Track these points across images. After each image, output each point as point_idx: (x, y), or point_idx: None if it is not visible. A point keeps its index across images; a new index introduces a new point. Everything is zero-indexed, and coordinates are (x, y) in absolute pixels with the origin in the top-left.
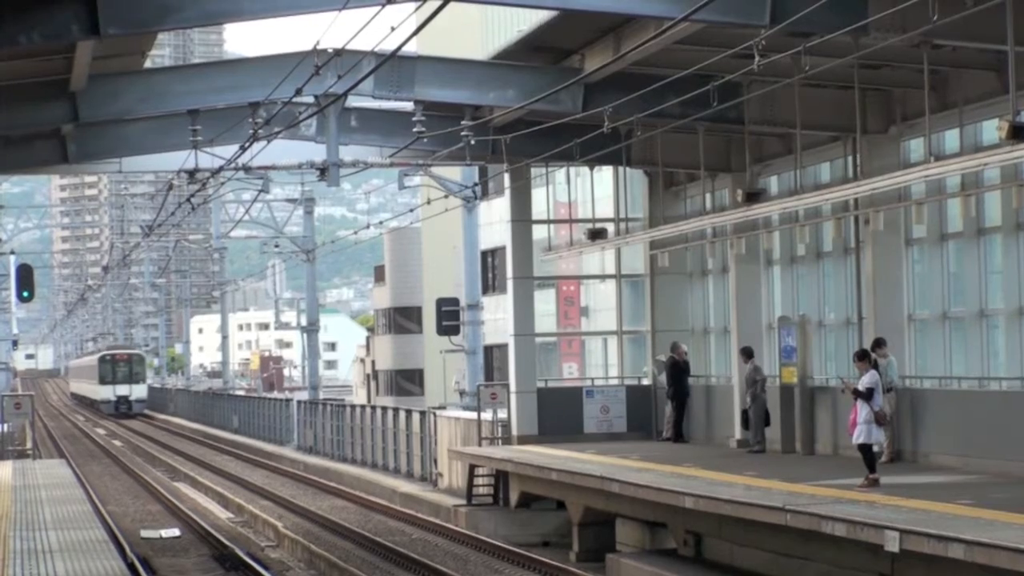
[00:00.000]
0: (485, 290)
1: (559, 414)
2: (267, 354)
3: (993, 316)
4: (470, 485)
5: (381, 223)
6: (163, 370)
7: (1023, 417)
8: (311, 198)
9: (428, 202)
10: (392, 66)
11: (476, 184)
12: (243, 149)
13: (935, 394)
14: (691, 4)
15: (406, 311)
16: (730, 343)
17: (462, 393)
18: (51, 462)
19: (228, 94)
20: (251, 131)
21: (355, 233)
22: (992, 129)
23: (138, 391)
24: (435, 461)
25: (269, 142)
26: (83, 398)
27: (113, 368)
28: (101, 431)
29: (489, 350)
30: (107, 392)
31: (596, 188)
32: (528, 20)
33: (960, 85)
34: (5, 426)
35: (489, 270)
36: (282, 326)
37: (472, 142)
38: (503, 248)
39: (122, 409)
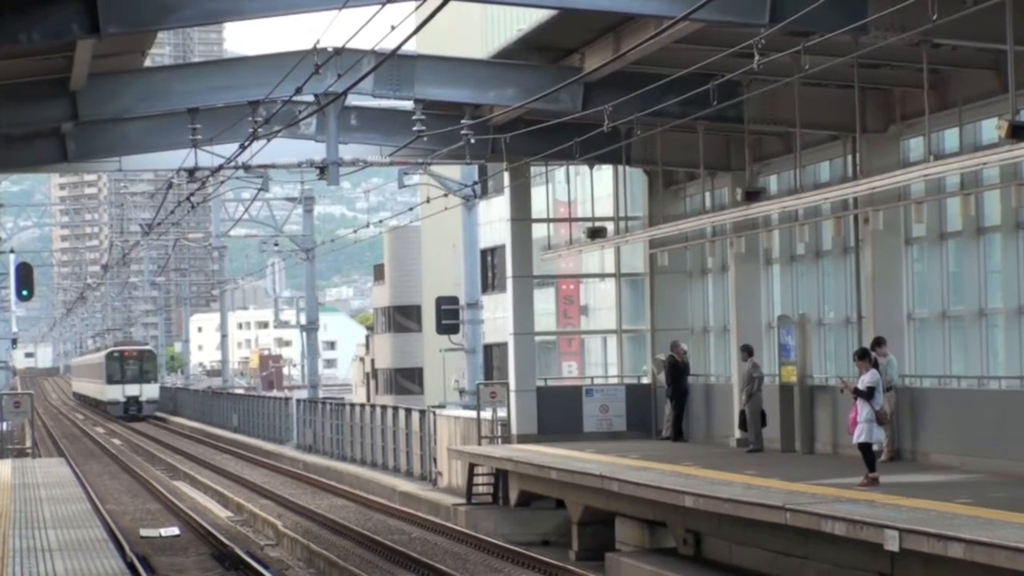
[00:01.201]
0: (485, 289)
1: (559, 413)
2: (266, 353)
3: (992, 315)
4: (470, 484)
5: (381, 222)
6: (162, 369)
7: (1022, 416)
8: (311, 197)
9: (428, 201)
10: (392, 65)
11: (476, 183)
12: (243, 148)
13: (935, 393)
14: (691, 3)
15: (405, 310)
16: (730, 342)
17: (461, 392)
18: (50, 461)
19: (228, 93)
20: (251, 130)
21: (355, 232)
22: (991, 128)
23: (149, 391)
24: (434, 460)
25: (269, 141)
26: (87, 398)
27: (122, 366)
28: (100, 430)
29: (488, 349)
30: (115, 392)
31: (596, 187)
32: (528, 19)
33: (959, 84)
34: (5, 425)
35: (489, 269)
36: (281, 324)
37: (472, 141)
38: (503, 247)
39: (132, 411)
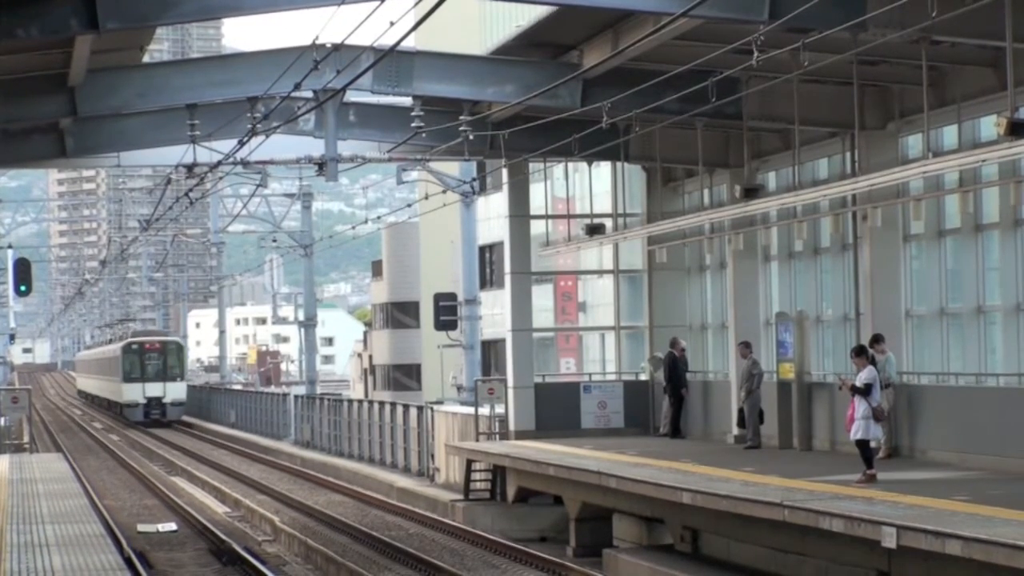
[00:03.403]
0: (483, 285)
1: (556, 409)
2: (264, 349)
3: (991, 312)
4: (467, 480)
5: (379, 218)
6: None
7: (1020, 413)
8: (309, 193)
9: (426, 197)
10: (391, 61)
11: (474, 179)
12: (241, 144)
13: (933, 390)
14: (690, 0)
15: (404, 306)
16: (728, 339)
17: (459, 388)
18: (48, 456)
19: (226, 89)
20: (249, 126)
21: (353, 228)
22: (990, 125)
23: (174, 391)
24: (432, 456)
25: (267, 137)
26: (97, 398)
27: (142, 360)
28: (98, 425)
29: (487, 345)
30: (134, 393)
31: (594, 183)
32: (527, 15)
33: (958, 81)
34: (2, 420)
35: (487, 265)
36: (279, 321)
37: (470, 137)
38: (501, 243)
39: (154, 414)
